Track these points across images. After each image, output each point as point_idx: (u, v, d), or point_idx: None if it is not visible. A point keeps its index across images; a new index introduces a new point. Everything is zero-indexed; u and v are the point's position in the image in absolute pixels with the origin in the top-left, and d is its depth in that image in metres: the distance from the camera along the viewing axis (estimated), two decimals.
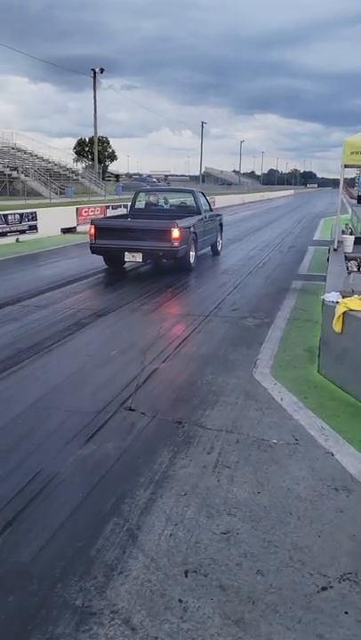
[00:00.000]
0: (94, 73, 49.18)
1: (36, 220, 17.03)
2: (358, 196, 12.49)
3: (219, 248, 13.92)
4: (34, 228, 16.89)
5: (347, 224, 15.24)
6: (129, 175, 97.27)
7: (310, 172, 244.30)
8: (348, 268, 8.95)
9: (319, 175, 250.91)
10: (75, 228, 19.47)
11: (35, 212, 17.10)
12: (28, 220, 16.68)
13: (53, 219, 18.38)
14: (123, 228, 10.79)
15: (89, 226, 10.81)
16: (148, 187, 41.16)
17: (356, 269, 9.09)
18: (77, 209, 19.91)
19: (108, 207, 22.36)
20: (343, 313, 4.69)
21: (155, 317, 7.25)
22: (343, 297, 4.97)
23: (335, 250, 9.33)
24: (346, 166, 9.53)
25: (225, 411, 4.28)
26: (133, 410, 4.28)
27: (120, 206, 23.81)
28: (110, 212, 21.98)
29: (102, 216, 21.28)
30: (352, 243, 12.71)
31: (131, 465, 3.44)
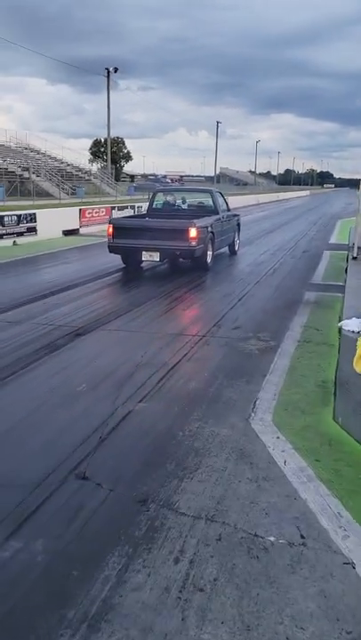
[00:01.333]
0: (108, 72, 48.55)
1: (36, 221, 16.08)
2: None
3: (236, 248, 13.84)
4: (32, 230, 15.94)
5: None
6: (144, 176, 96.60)
7: (327, 172, 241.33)
8: None
9: (336, 175, 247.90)
10: (77, 229, 18.50)
11: (34, 214, 16.15)
12: (27, 222, 15.74)
13: (54, 220, 17.43)
14: (141, 227, 10.78)
15: (107, 225, 10.98)
16: (161, 187, 40.29)
17: None
18: (80, 210, 18.93)
19: (113, 208, 21.37)
20: None
21: (141, 338, 6.20)
22: None
23: (355, 258, 8.19)
24: None
25: (209, 482, 3.21)
26: (87, 478, 3.23)
27: (127, 207, 22.86)
28: (116, 214, 21.00)
29: (108, 217, 20.37)
30: None
31: (60, 583, 2.39)
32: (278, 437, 3.78)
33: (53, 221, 17.23)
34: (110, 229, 10.60)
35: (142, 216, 13.71)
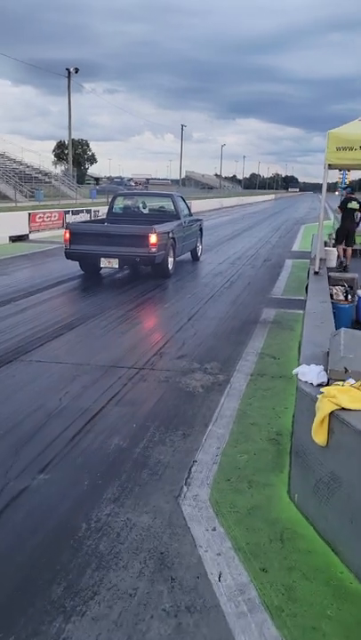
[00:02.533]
0: (68, 72, 47.54)
1: None
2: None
3: (199, 254, 13.44)
4: None
5: (330, 234, 13.43)
6: (110, 178, 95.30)
7: (292, 177, 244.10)
8: (332, 296, 7.02)
9: (301, 180, 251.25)
10: (27, 235, 17.29)
11: None
12: None
13: (0, 225, 16.19)
14: (99, 232, 10.26)
15: (64, 230, 10.31)
16: (126, 190, 39.23)
17: (343, 297, 7.17)
18: (30, 214, 17.69)
19: (67, 212, 20.18)
20: (331, 413, 2.68)
21: (66, 372, 5.18)
22: (330, 380, 2.97)
23: (316, 273, 7.36)
24: (330, 167, 7.57)
25: (107, 619, 2.23)
26: None
27: (82, 211, 21.72)
28: (70, 218, 19.87)
29: (61, 222, 19.23)
30: (336, 257, 10.86)
31: None
32: (215, 529, 2.83)
33: None
34: (67, 235, 9.98)
35: (101, 221, 13.18)
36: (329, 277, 8.08)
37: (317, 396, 2.81)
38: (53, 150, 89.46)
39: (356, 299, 7.16)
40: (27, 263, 12.63)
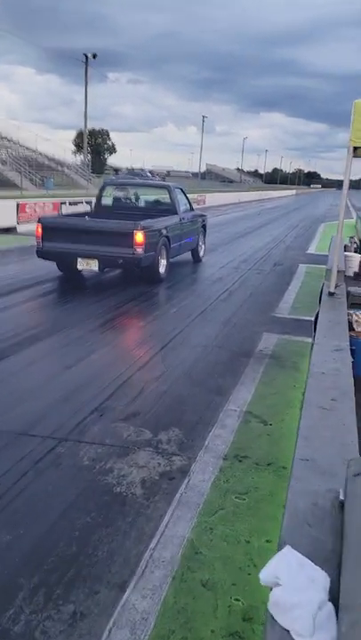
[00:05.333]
0: (86, 58, 45.91)
1: None
2: None
3: (201, 254, 11.90)
4: None
5: (351, 237, 11.54)
6: (130, 169, 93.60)
7: (315, 173, 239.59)
8: (352, 326, 5.17)
9: (323, 176, 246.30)
10: (14, 228, 15.60)
11: None
12: None
13: None
14: (76, 228, 8.82)
15: (36, 224, 8.83)
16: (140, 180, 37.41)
17: None
18: (18, 204, 15.97)
19: (63, 203, 18.46)
20: None
21: None
22: None
23: (332, 294, 5.48)
24: (355, 151, 5.67)
25: None
26: None
27: (81, 202, 19.98)
28: (67, 209, 18.15)
29: (56, 214, 17.53)
30: (358, 263, 9.02)
31: None
32: None
33: None
34: (39, 230, 8.59)
35: (82, 215, 11.44)
36: (348, 294, 6.23)
37: None
38: (73, 140, 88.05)
39: None
40: None
